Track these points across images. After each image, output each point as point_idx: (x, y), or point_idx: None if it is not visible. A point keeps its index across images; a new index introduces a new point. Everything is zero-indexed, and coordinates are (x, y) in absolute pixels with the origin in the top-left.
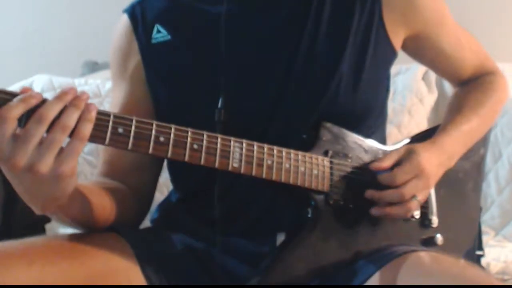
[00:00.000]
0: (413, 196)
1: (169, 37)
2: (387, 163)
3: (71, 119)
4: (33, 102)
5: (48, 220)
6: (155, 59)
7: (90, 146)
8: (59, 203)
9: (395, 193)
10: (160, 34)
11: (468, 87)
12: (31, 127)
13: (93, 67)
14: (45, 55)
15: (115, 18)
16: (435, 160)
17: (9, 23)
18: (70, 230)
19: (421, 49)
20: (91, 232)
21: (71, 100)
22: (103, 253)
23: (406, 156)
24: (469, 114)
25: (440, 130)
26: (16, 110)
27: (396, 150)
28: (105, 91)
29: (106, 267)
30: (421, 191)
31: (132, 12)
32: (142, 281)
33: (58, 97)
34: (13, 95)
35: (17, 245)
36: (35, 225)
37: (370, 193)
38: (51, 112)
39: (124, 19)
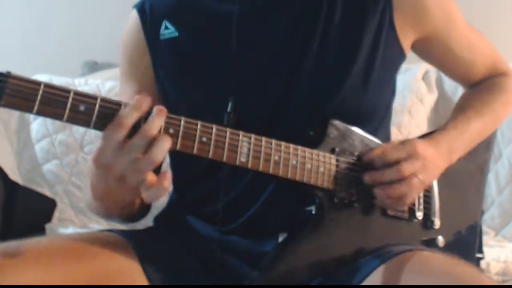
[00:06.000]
0: (414, 174)
1: (176, 33)
2: (379, 149)
3: (169, 141)
4: (144, 109)
5: (48, 220)
6: (164, 56)
7: (90, 146)
8: (121, 205)
9: (392, 170)
10: (168, 30)
11: (476, 88)
12: (136, 141)
13: (93, 67)
14: (45, 55)
15: (115, 18)
16: (431, 149)
17: (9, 23)
18: (70, 231)
19: (431, 51)
20: (92, 232)
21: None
22: (105, 254)
23: (399, 142)
24: (471, 114)
25: (439, 128)
26: (131, 118)
27: (390, 141)
28: (105, 91)
29: (109, 268)
30: (420, 172)
31: (141, 7)
32: (144, 281)
33: (158, 114)
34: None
35: (21, 246)
36: (35, 225)
37: (367, 176)
38: (155, 130)
39: (134, 15)
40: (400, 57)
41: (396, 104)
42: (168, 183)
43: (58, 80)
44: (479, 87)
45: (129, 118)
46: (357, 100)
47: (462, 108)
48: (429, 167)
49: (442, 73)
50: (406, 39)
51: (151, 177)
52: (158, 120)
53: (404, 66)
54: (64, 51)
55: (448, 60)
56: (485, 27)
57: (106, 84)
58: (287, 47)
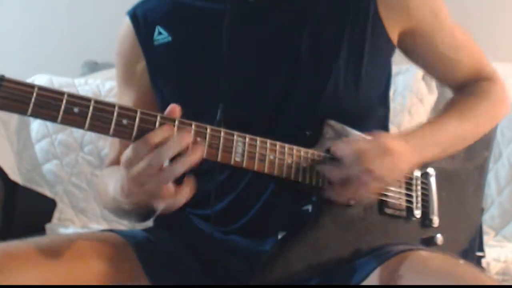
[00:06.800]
0: (380, 175)
1: (169, 38)
2: (350, 146)
3: (182, 169)
4: (171, 133)
5: (48, 220)
6: (159, 61)
7: (90, 147)
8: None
9: (362, 168)
10: (161, 36)
11: (461, 92)
12: (153, 158)
13: (93, 67)
14: (45, 55)
15: (115, 18)
16: (404, 144)
17: (9, 23)
18: (70, 231)
19: (415, 47)
20: (92, 232)
21: (190, 147)
22: (106, 254)
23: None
24: (451, 115)
25: (417, 126)
26: (156, 138)
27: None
28: (105, 91)
29: (110, 268)
30: (388, 169)
31: (133, 14)
32: (144, 281)
33: (182, 138)
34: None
35: (22, 246)
36: (35, 225)
37: (332, 172)
38: (172, 152)
39: (127, 22)
40: (389, 48)
41: (396, 104)
42: (186, 195)
43: (58, 80)
44: (464, 91)
45: (155, 138)
46: (351, 96)
47: (444, 110)
48: (396, 161)
49: (425, 72)
50: (393, 31)
51: (169, 190)
52: (179, 145)
53: (404, 66)
54: (64, 51)
55: (431, 58)
56: (484, 27)
57: (106, 84)
58: (282, 46)
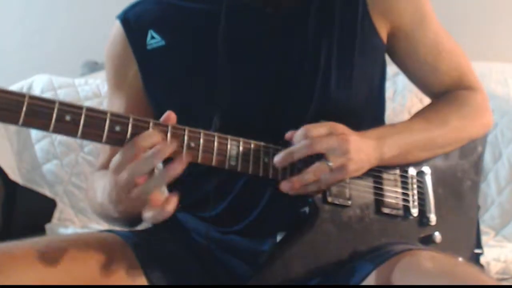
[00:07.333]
0: (326, 155)
1: (163, 42)
2: (301, 129)
3: (171, 176)
4: (159, 138)
5: (48, 220)
6: (153, 66)
7: (90, 147)
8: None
9: (303, 142)
10: (154, 40)
11: (438, 99)
12: (135, 167)
13: (93, 67)
14: (45, 55)
15: (115, 18)
16: (354, 134)
17: (9, 23)
18: (70, 231)
19: (396, 48)
20: (92, 233)
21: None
22: (105, 254)
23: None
24: (417, 117)
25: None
26: (146, 142)
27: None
28: (105, 91)
29: (109, 268)
30: (336, 151)
31: (124, 18)
32: (144, 281)
33: (159, 149)
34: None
35: (21, 246)
36: (35, 225)
37: (277, 158)
38: (150, 165)
39: (117, 26)
40: (380, 45)
41: (396, 104)
42: (172, 207)
43: (58, 80)
44: (440, 98)
45: (145, 142)
46: (344, 95)
47: (414, 115)
48: (348, 147)
49: (405, 75)
50: (382, 28)
51: (157, 197)
52: (168, 149)
53: None
54: (64, 51)
55: (410, 62)
56: (484, 27)
57: (106, 84)
58: (277, 46)
